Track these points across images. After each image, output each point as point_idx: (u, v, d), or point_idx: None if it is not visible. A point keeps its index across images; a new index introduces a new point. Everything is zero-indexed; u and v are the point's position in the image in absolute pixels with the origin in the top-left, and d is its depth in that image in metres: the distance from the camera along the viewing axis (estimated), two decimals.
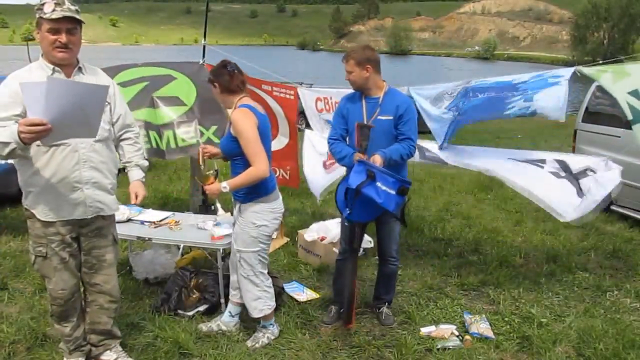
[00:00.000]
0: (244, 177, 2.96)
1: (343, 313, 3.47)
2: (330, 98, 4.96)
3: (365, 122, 3.28)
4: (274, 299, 3.29)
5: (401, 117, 3.26)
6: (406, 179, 3.18)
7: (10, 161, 5.57)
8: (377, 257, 4.62)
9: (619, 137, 5.57)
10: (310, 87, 9.90)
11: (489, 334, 3.37)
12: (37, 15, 2.45)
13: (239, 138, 2.94)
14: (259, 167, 2.92)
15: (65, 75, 2.54)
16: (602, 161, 4.07)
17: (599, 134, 6.07)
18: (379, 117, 3.28)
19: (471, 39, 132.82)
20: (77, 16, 2.47)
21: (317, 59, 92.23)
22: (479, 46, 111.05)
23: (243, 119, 2.93)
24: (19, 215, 5.90)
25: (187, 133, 4.60)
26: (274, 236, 3.90)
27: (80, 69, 2.62)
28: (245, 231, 3.12)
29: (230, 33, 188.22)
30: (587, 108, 6.37)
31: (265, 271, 3.26)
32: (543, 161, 4.17)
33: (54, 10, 2.40)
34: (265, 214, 3.12)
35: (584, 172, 4.04)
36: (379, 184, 3.00)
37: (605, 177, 3.98)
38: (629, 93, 3.72)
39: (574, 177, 4.06)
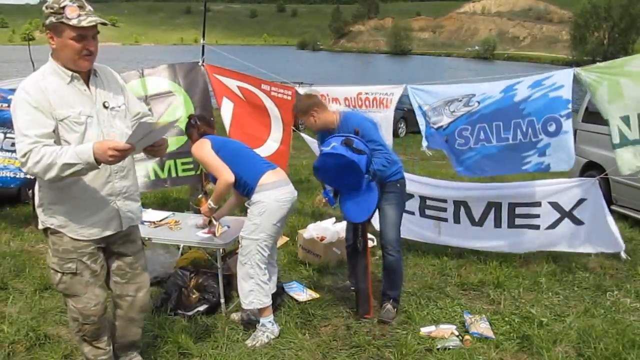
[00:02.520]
0: (216, 190, 3.36)
1: (360, 305, 3.59)
2: (327, 95, 4.99)
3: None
4: (268, 296, 3.31)
5: (362, 137, 3.40)
6: (346, 134, 3.35)
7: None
8: (377, 258, 4.65)
9: None
10: (310, 87, 9.90)
11: (489, 334, 3.36)
12: (54, 19, 2.17)
13: (201, 165, 3.47)
14: (221, 178, 3.28)
15: (82, 80, 2.34)
16: (587, 184, 4.21)
17: (599, 133, 6.06)
18: None
19: (471, 38, 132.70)
20: (103, 20, 2.26)
21: (317, 59, 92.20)
22: (478, 46, 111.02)
23: (197, 150, 3.39)
24: (19, 215, 5.91)
25: (187, 164, 4.98)
26: None
27: (95, 72, 2.40)
28: (250, 218, 3.29)
29: (230, 33, 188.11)
30: (587, 108, 6.37)
31: (264, 265, 3.29)
32: (538, 204, 4.31)
33: (79, 16, 2.16)
34: (268, 203, 3.23)
35: (577, 204, 4.23)
36: (322, 148, 3.34)
37: (596, 200, 4.20)
38: (621, 118, 3.87)
39: (569, 212, 4.27)
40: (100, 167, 2.20)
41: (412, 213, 4.76)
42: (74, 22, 2.17)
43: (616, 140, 3.88)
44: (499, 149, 4.21)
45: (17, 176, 5.25)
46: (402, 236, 3.85)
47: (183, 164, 5.00)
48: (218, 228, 3.60)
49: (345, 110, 3.76)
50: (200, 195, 3.73)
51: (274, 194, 3.26)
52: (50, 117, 2.21)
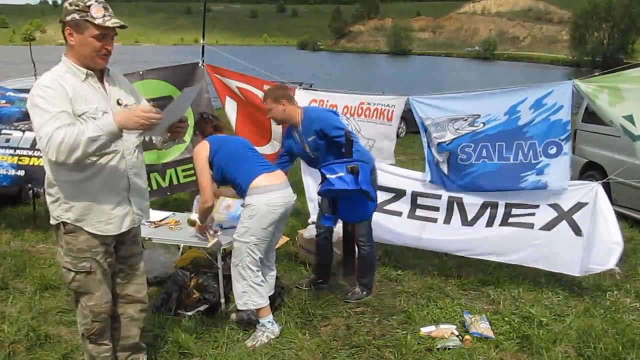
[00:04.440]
0: (200, 212, 3.47)
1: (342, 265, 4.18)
2: (327, 101, 4.95)
3: (306, 150, 3.77)
4: (263, 297, 3.32)
5: (323, 130, 3.59)
6: (353, 158, 3.51)
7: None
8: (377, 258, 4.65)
9: (619, 137, 5.57)
10: (310, 87, 9.91)
11: (489, 333, 3.37)
12: (78, 16, 2.25)
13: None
14: (202, 198, 3.35)
15: (97, 77, 2.41)
16: (588, 188, 4.15)
17: (599, 134, 6.07)
18: (309, 140, 3.69)
19: (471, 39, 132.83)
20: (124, 24, 2.33)
21: (318, 59, 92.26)
22: (479, 46, 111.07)
23: (196, 154, 3.40)
24: (20, 215, 5.92)
25: (188, 170, 5.02)
26: None
27: (107, 71, 2.47)
28: (241, 220, 3.32)
29: (230, 33, 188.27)
30: (587, 108, 6.37)
31: (256, 268, 3.31)
32: (537, 207, 4.24)
33: (104, 16, 2.26)
34: (258, 206, 3.24)
35: (576, 206, 4.15)
36: (328, 176, 3.39)
37: (598, 206, 4.08)
38: (624, 117, 3.93)
39: (569, 215, 4.17)
40: (115, 147, 2.33)
41: (399, 214, 4.59)
42: (99, 21, 2.25)
43: (637, 132, 3.93)
44: (499, 167, 4.28)
45: (9, 173, 5.09)
46: (382, 239, 4.39)
47: (184, 170, 5.08)
48: (210, 240, 3.56)
49: (307, 107, 3.94)
50: (193, 218, 3.67)
51: (265, 197, 3.25)
52: (69, 105, 2.25)
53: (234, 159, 3.37)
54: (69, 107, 2.25)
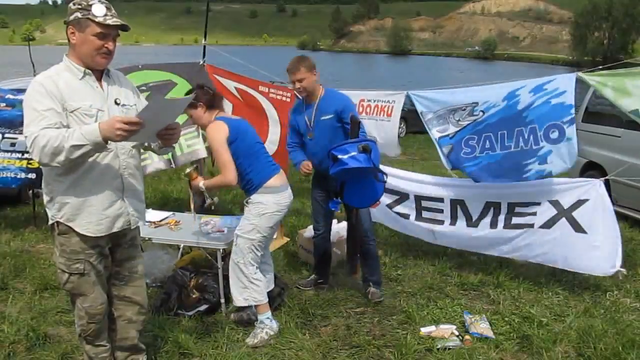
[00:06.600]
0: (215, 182, 3.31)
1: (347, 264, 4.11)
2: None
3: (310, 125, 3.74)
4: (262, 294, 3.33)
5: (344, 112, 3.62)
6: (363, 138, 3.52)
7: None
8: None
9: (619, 137, 5.58)
10: None
11: (489, 333, 3.37)
12: (80, 15, 2.27)
13: (212, 149, 3.29)
14: (227, 175, 3.22)
15: (95, 77, 2.40)
16: (589, 185, 4.11)
17: (599, 134, 6.07)
18: (322, 119, 3.68)
19: (471, 39, 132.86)
20: (126, 23, 2.36)
21: (318, 59, 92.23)
22: (479, 46, 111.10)
23: (213, 133, 3.24)
24: (19, 215, 5.92)
25: (191, 139, 4.94)
26: (275, 236, 4.05)
27: (108, 72, 2.47)
28: (247, 217, 3.31)
29: (230, 33, 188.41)
30: (587, 108, 6.37)
31: (256, 264, 3.32)
32: (538, 204, 4.21)
33: (106, 15, 2.28)
34: (269, 206, 3.27)
35: (576, 204, 4.10)
36: (340, 156, 3.37)
37: (598, 203, 4.04)
38: (630, 112, 3.86)
39: (568, 212, 4.12)
40: (108, 146, 2.25)
41: (407, 216, 4.64)
42: (100, 19, 2.27)
43: None
44: (502, 157, 4.18)
45: (18, 176, 5.22)
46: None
47: (187, 139, 4.93)
48: (192, 205, 3.52)
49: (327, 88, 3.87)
50: (191, 169, 3.48)
51: (276, 197, 3.31)
52: (60, 104, 2.26)
53: (250, 155, 3.33)
54: (57, 105, 2.25)
